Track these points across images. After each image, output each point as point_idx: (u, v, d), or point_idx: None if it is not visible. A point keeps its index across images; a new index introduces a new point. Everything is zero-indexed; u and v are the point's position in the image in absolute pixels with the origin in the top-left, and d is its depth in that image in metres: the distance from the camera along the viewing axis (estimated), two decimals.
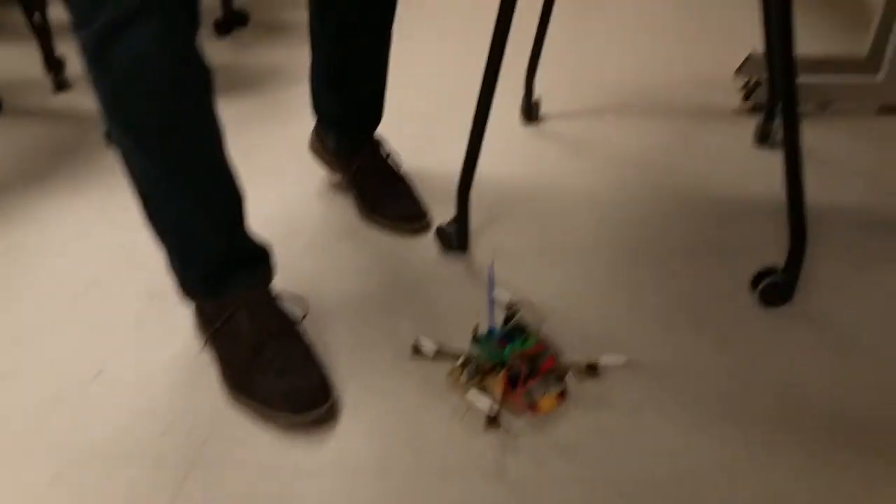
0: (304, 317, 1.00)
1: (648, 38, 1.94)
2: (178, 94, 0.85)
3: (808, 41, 1.80)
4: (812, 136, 1.45)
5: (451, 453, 0.85)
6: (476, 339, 0.94)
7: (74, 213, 1.35)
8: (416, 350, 0.97)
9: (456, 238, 1.18)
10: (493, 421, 0.85)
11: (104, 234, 1.28)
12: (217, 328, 0.96)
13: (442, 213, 1.26)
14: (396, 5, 1.16)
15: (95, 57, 0.81)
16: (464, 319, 1.03)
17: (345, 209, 1.32)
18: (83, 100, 1.74)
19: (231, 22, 2.11)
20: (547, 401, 0.89)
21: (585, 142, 1.49)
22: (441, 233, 1.20)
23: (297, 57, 1.92)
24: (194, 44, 0.85)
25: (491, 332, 0.95)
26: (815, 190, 1.28)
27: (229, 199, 0.96)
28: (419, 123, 1.58)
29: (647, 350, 0.98)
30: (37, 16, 1.74)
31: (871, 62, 1.51)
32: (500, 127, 1.54)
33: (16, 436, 0.90)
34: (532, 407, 0.88)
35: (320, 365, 0.94)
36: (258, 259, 1.00)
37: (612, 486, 0.80)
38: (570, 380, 0.92)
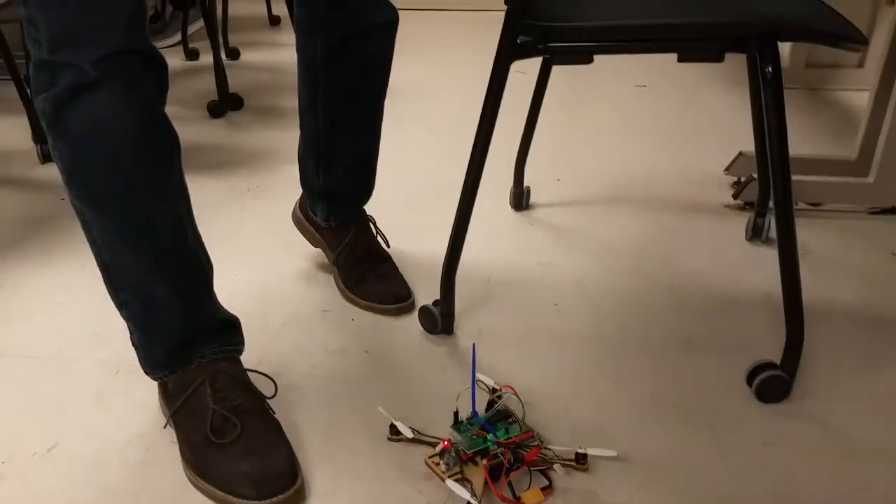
0: (273, 394, 0.94)
1: (638, 135, 1.97)
2: (137, 161, 0.82)
3: (798, 143, 1.83)
4: (805, 233, 1.44)
5: None
6: (457, 424, 0.89)
7: (44, 282, 1.30)
8: (393, 433, 0.91)
9: (440, 320, 1.14)
10: None
11: (72, 306, 1.23)
12: (180, 404, 0.90)
13: (427, 294, 1.22)
14: (388, 77, 1.15)
15: (54, 121, 0.79)
16: (445, 404, 0.97)
17: (326, 287, 1.28)
18: None
19: (225, 104, 2.13)
20: (531, 494, 0.82)
21: (575, 232, 1.47)
22: (424, 314, 1.16)
23: (288, 140, 1.93)
24: (158, 110, 0.83)
25: (473, 417, 0.89)
26: (810, 286, 1.25)
27: (193, 267, 0.91)
28: (408, 205, 1.56)
29: (638, 443, 0.92)
30: (28, 90, 1.75)
31: (861, 164, 1.52)
32: (490, 214, 1.53)
33: None
34: (515, 500, 0.81)
35: (287, 446, 0.88)
36: (224, 330, 0.95)
37: None
38: (557, 472, 0.86)
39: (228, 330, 0.96)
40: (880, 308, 1.21)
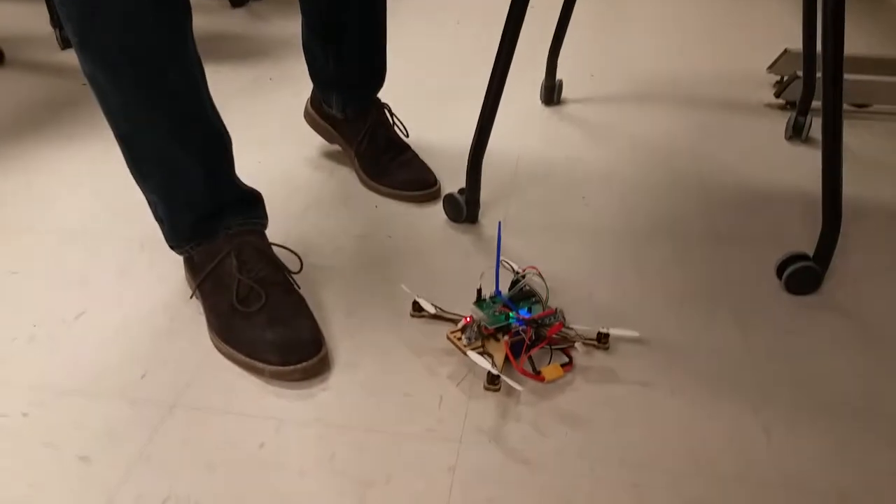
0: (298, 270, 0.94)
1: (676, 30, 1.89)
2: (150, 22, 0.78)
3: (848, 43, 1.74)
4: (849, 133, 1.38)
5: (447, 415, 0.78)
6: (479, 301, 0.88)
7: (68, 164, 1.30)
8: (416, 309, 0.91)
9: (465, 208, 1.12)
10: (494, 381, 0.78)
11: (97, 186, 1.23)
12: (206, 274, 0.90)
13: (452, 184, 1.20)
14: None
15: None
16: (467, 286, 0.96)
17: (349, 176, 1.27)
18: None
19: None
20: (551, 370, 0.82)
21: (607, 126, 1.43)
22: (449, 202, 1.14)
23: None
24: None
25: (496, 295, 0.88)
26: (848, 185, 1.19)
27: (213, 138, 0.90)
28: (436, 97, 1.53)
29: (661, 328, 0.91)
30: None
31: None
32: (519, 106, 1.49)
33: None
34: (535, 375, 0.81)
35: (312, 318, 0.88)
36: (248, 202, 0.95)
37: (617, 458, 0.73)
38: (578, 350, 0.86)
39: (252, 203, 0.95)
40: None
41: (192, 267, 0.95)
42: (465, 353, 0.82)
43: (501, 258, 0.93)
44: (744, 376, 0.84)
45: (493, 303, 0.87)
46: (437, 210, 1.16)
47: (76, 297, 0.97)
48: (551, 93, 1.50)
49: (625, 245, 1.08)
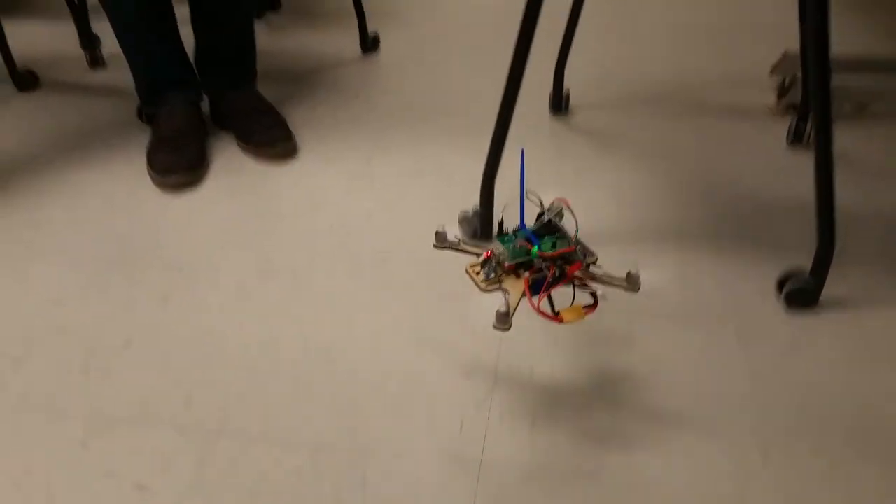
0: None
1: (681, 36, 1.92)
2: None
3: (847, 42, 1.76)
4: (848, 138, 1.40)
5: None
6: (501, 235, 0.85)
7: (106, 186, 1.33)
8: (439, 240, 0.88)
9: (480, 226, 1.15)
10: (503, 319, 0.75)
11: (134, 210, 1.26)
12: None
13: (467, 198, 1.24)
14: None
15: None
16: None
17: (369, 191, 1.30)
18: (118, 76, 1.74)
19: (264, 5, 2.11)
20: (572, 311, 0.77)
21: (614, 135, 1.47)
22: (464, 219, 1.16)
23: (329, 42, 1.92)
24: None
25: (520, 228, 0.85)
26: (848, 192, 1.22)
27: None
28: (445, 113, 1.57)
29: (663, 348, 0.94)
30: None
31: None
32: (528, 117, 1.52)
33: (44, 403, 0.89)
34: (554, 315, 0.76)
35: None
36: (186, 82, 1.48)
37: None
38: (600, 292, 0.80)
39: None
40: None
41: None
42: (481, 290, 0.80)
43: (527, 193, 0.86)
44: (744, 396, 0.86)
45: (516, 236, 0.85)
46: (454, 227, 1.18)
47: (121, 325, 1.00)
48: (559, 103, 1.54)
49: (630, 257, 1.11)
